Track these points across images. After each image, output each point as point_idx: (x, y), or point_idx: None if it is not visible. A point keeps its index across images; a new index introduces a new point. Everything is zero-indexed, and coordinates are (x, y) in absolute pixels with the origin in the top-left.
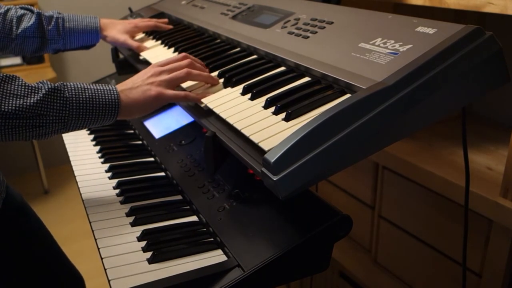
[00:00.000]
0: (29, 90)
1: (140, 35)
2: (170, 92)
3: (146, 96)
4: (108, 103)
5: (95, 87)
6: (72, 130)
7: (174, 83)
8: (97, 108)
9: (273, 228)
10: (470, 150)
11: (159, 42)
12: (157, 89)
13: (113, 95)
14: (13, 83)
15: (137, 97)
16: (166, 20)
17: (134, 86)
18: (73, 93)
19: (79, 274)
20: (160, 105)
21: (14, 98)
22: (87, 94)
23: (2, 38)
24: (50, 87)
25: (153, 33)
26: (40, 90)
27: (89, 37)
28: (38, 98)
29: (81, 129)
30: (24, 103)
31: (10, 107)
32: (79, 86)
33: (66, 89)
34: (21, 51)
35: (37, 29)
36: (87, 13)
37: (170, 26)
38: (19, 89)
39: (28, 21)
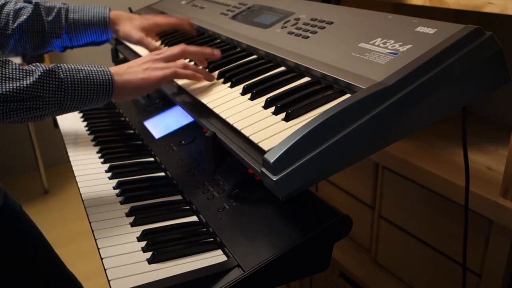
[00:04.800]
0: (24, 73)
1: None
2: (159, 72)
3: (139, 78)
4: (103, 83)
5: (89, 68)
6: (67, 112)
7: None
8: (92, 88)
9: (273, 228)
10: (470, 150)
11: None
12: (151, 73)
13: (107, 75)
14: (6, 67)
15: (131, 79)
16: (189, 19)
17: (129, 69)
18: (68, 74)
19: (78, 282)
20: (152, 88)
21: (10, 81)
22: (81, 74)
23: None
24: (44, 69)
25: (164, 37)
26: (34, 72)
27: (96, 30)
28: (34, 79)
29: (77, 110)
30: (21, 85)
31: (6, 90)
32: (73, 67)
33: (60, 70)
34: (22, 49)
35: (35, 22)
36: None
37: (193, 29)
38: (14, 72)
39: (26, 13)
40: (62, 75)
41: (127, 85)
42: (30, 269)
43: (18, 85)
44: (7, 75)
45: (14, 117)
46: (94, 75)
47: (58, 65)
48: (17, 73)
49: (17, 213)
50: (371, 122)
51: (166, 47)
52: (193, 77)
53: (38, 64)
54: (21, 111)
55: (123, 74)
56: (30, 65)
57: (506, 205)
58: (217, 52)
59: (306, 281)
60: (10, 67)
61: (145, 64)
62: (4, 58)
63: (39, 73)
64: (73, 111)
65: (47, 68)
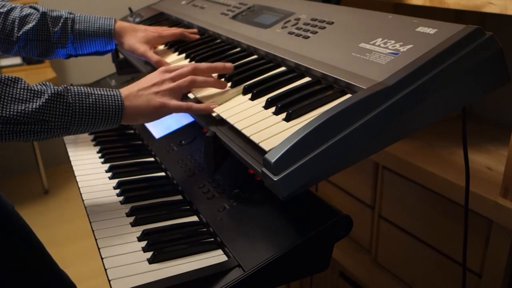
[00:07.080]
0: (32, 94)
1: (161, 46)
2: (173, 103)
3: (150, 106)
4: (112, 109)
5: (99, 92)
6: (73, 134)
7: (178, 92)
8: (100, 114)
9: (273, 228)
10: (470, 150)
11: (183, 56)
12: (160, 100)
13: (117, 101)
14: (15, 86)
15: (141, 105)
16: (195, 30)
17: (139, 93)
18: (76, 99)
19: (71, 282)
20: (163, 115)
21: (17, 103)
22: (91, 99)
23: (2, 41)
24: (53, 91)
25: (175, 45)
26: (43, 94)
27: (101, 42)
28: (41, 103)
29: (83, 133)
30: (26, 109)
31: (12, 112)
32: (82, 91)
33: (69, 94)
34: (26, 54)
35: (40, 31)
36: (86, 12)
37: (197, 36)
38: (22, 92)
39: (32, 22)
40: (70, 99)
41: (137, 112)
42: (22, 269)
43: (24, 108)
44: (14, 96)
45: (17, 139)
46: (104, 100)
47: (68, 87)
48: (25, 94)
49: (9, 213)
50: (371, 122)
51: (175, 64)
52: (204, 84)
53: (48, 83)
54: (25, 134)
55: (132, 99)
56: (40, 84)
57: (506, 205)
58: (229, 66)
59: (306, 281)
60: (19, 87)
61: (154, 87)
62: (15, 76)
63: (47, 96)
64: (79, 133)
65: (56, 91)
